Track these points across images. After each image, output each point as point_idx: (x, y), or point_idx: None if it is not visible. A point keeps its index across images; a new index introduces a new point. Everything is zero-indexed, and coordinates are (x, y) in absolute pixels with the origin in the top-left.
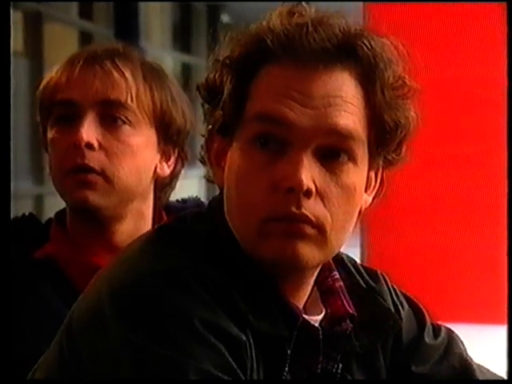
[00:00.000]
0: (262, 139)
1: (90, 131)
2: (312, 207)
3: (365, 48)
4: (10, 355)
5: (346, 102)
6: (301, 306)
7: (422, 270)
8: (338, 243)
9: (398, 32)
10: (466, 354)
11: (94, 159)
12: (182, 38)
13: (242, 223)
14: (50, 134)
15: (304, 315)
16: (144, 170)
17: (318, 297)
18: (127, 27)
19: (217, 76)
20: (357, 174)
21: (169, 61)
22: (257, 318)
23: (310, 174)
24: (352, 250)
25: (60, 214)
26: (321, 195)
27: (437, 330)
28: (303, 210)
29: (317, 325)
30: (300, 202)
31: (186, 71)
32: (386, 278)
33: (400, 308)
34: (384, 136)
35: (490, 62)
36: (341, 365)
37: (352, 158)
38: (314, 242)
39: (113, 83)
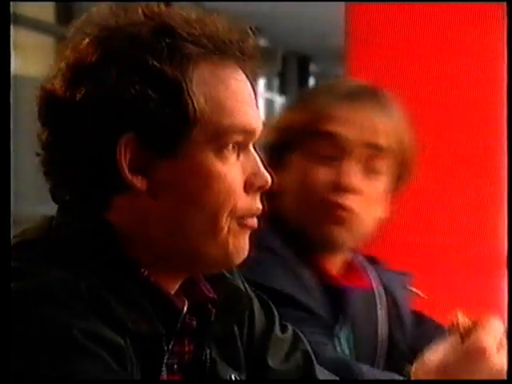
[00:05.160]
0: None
1: (354, 175)
2: None
3: None
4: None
5: None
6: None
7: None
8: None
9: (383, 32)
10: (311, 352)
11: (351, 201)
12: None
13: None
14: (303, 162)
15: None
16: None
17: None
18: None
19: None
20: None
21: None
22: (134, 320)
23: None
24: None
25: None
26: None
27: (283, 325)
28: None
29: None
30: None
31: None
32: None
33: (251, 295)
34: None
35: (489, 62)
36: (209, 350)
37: None
38: None
39: (379, 127)
